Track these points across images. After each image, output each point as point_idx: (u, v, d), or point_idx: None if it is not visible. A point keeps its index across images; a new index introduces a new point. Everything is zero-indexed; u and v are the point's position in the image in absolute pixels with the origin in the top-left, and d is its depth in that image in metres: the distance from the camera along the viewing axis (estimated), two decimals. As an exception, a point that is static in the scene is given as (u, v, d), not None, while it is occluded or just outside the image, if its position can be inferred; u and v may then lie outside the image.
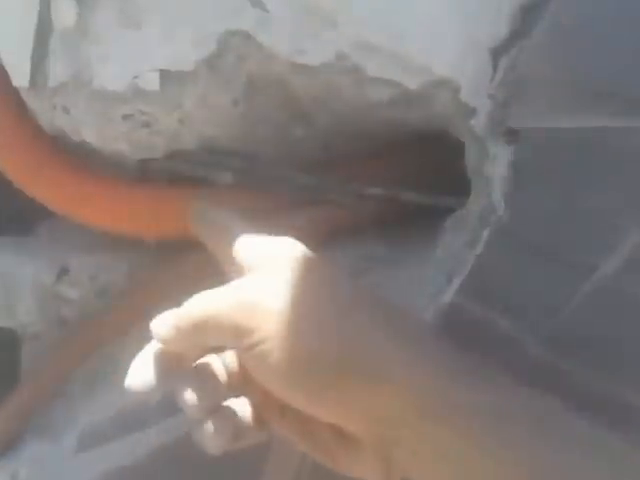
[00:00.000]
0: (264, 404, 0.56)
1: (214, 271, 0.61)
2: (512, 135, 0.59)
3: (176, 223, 0.70)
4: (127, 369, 0.54)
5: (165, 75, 0.65)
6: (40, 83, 0.67)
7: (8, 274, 0.76)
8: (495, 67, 0.60)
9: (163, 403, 0.56)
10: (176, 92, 0.66)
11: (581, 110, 0.57)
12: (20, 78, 0.67)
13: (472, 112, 0.61)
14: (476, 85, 0.61)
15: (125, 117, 0.67)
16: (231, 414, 0.55)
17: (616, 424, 0.48)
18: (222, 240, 0.58)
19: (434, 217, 0.70)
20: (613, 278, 0.57)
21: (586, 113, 0.57)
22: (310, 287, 0.52)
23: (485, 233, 0.60)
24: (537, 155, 0.58)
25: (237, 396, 0.57)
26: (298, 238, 0.57)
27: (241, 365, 0.56)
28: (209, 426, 0.53)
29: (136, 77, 0.65)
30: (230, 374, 0.56)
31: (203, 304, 0.53)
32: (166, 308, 0.71)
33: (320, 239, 0.70)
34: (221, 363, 0.56)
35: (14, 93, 0.68)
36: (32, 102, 0.68)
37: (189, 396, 0.53)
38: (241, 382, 0.56)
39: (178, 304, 0.61)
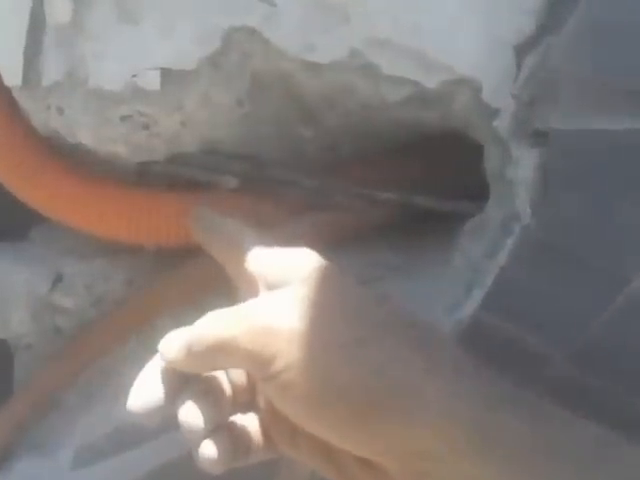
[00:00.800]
0: (273, 423, 0.53)
1: (217, 278, 0.60)
2: (539, 137, 0.56)
3: (177, 229, 0.67)
4: (125, 382, 0.51)
5: (165, 74, 0.62)
6: (33, 82, 0.63)
7: (0, 282, 0.72)
8: (519, 65, 0.57)
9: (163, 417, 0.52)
10: (177, 92, 0.63)
11: (614, 111, 0.54)
12: (12, 77, 0.64)
13: (494, 113, 0.59)
14: (499, 84, 0.58)
15: (123, 118, 0.64)
16: (234, 432, 0.52)
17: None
18: (231, 251, 0.56)
19: (449, 222, 0.67)
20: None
21: (620, 114, 0.54)
22: (334, 307, 0.49)
23: (509, 242, 0.57)
24: (567, 159, 0.55)
25: (244, 411, 0.54)
26: (304, 244, 0.54)
27: (249, 381, 0.53)
28: (208, 446, 0.50)
29: (135, 76, 0.62)
30: (236, 388, 0.53)
31: (217, 327, 0.49)
32: (167, 318, 0.68)
33: (327, 245, 0.66)
34: (226, 377, 0.53)
35: (5, 92, 0.65)
36: (25, 102, 0.65)
37: (190, 415, 0.50)
38: (248, 398, 0.53)
39: (180, 315, 0.58)
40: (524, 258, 0.56)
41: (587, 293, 0.55)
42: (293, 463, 0.63)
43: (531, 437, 0.46)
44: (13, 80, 0.64)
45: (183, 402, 0.50)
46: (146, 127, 0.65)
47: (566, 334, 0.55)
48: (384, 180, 0.69)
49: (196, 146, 0.67)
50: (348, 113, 0.66)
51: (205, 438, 0.50)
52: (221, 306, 0.52)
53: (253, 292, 0.54)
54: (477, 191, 0.64)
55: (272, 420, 0.53)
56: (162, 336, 0.51)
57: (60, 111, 0.65)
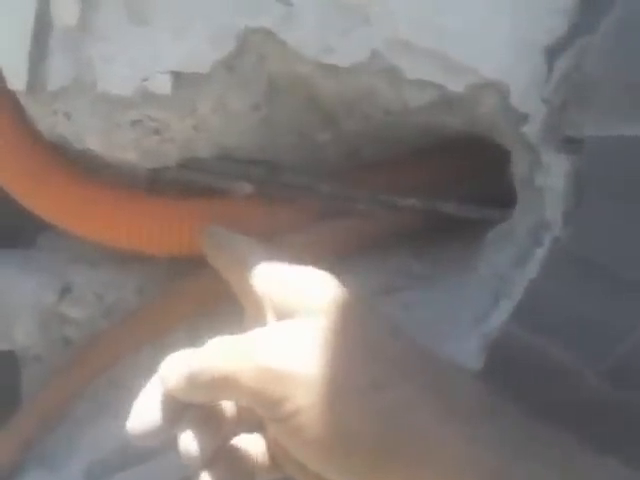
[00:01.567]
0: (280, 453, 0.51)
1: (230, 287, 0.57)
2: (572, 143, 0.54)
3: (190, 237, 0.65)
4: (135, 394, 0.50)
5: (178, 77, 0.60)
6: (39, 86, 0.61)
7: (6, 291, 0.70)
8: (550, 68, 0.55)
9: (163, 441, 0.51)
10: (190, 96, 0.61)
11: (652, 117, 0.50)
12: (17, 81, 0.61)
13: (523, 118, 0.57)
14: (528, 88, 0.56)
15: (133, 123, 0.62)
16: (236, 458, 0.50)
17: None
18: (237, 267, 0.54)
19: (474, 229, 0.65)
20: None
21: (657, 120, 0.50)
22: (351, 347, 0.47)
23: (537, 252, 0.55)
24: (602, 167, 0.53)
25: (251, 431, 0.52)
26: (323, 252, 0.54)
27: None
28: (206, 478, 0.48)
29: (145, 80, 0.60)
30: (241, 407, 0.51)
31: (224, 359, 0.47)
32: (179, 327, 0.66)
33: (347, 253, 0.66)
34: None
35: (11, 97, 0.62)
36: (31, 107, 0.63)
37: (188, 443, 0.48)
38: (254, 417, 0.50)
39: (193, 324, 0.56)
40: (555, 270, 0.54)
41: (621, 307, 0.53)
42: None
43: None
44: (18, 84, 0.62)
45: (182, 429, 0.48)
46: (157, 132, 0.62)
47: (599, 350, 0.53)
48: (406, 186, 0.67)
49: (210, 151, 0.65)
50: (368, 118, 0.64)
51: (204, 466, 0.48)
52: (234, 316, 0.50)
53: (259, 315, 0.52)
54: (503, 198, 0.62)
55: (279, 451, 0.50)
56: (174, 347, 0.50)
57: (67, 116, 0.63)
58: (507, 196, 0.61)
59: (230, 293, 0.58)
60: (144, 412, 0.49)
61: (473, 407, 0.46)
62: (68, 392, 0.72)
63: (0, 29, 0.61)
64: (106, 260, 0.71)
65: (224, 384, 0.47)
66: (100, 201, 0.66)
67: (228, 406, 0.51)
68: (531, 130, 0.56)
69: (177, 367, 0.48)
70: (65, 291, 0.70)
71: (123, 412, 0.53)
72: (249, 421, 0.51)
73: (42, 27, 0.61)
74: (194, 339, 0.51)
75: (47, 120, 0.64)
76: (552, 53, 0.55)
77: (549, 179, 0.56)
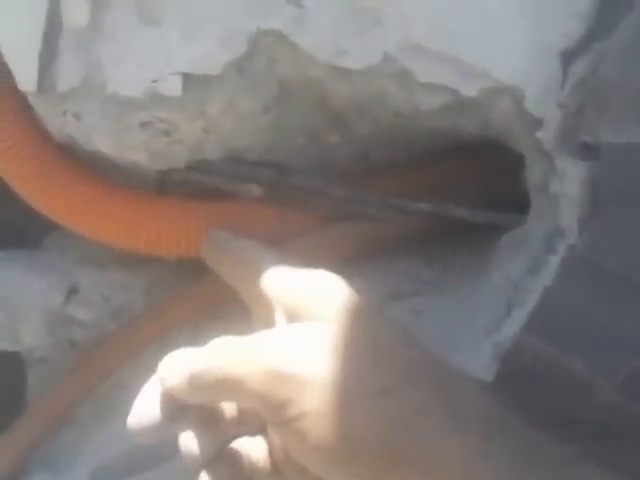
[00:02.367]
0: (282, 458, 0.50)
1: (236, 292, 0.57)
2: (588, 150, 0.53)
3: (199, 239, 0.64)
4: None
5: (188, 79, 0.59)
6: (49, 87, 0.61)
7: (13, 292, 0.70)
8: (566, 72, 0.55)
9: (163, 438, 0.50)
10: (200, 98, 0.60)
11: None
12: (27, 81, 0.61)
13: (538, 123, 0.56)
14: (543, 92, 0.55)
15: (143, 125, 0.61)
16: (236, 461, 0.49)
17: None
18: (246, 271, 0.53)
19: (485, 234, 0.64)
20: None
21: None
22: (361, 353, 0.46)
23: (552, 259, 0.55)
24: (618, 174, 0.52)
25: (253, 433, 0.51)
26: (333, 255, 0.54)
27: None
28: (209, 476, 0.47)
29: (155, 81, 0.59)
30: (243, 409, 0.50)
31: (227, 361, 0.46)
32: (186, 330, 0.66)
33: (357, 257, 0.65)
34: None
35: (21, 97, 0.62)
36: (40, 107, 0.62)
37: (187, 444, 0.47)
38: (256, 420, 0.49)
39: (201, 326, 0.55)
40: (570, 278, 0.53)
41: (637, 317, 0.52)
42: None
43: None
44: (28, 85, 0.61)
45: (182, 429, 0.48)
46: (167, 134, 0.62)
47: (613, 361, 0.52)
48: (417, 189, 0.67)
49: (219, 154, 0.65)
50: (379, 121, 0.63)
51: (203, 467, 0.48)
52: (240, 318, 0.49)
53: (268, 318, 0.52)
54: (517, 203, 0.61)
55: (281, 456, 0.50)
56: (179, 348, 0.49)
57: (77, 117, 0.62)
58: (521, 202, 0.60)
59: (236, 296, 0.58)
60: (144, 409, 0.49)
61: (482, 419, 0.45)
62: (74, 395, 0.72)
63: (10, 29, 0.61)
64: (113, 262, 0.70)
65: (228, 386, 0.46)
66: (109, 202, 0.66)
67: (228, 407, 0.50)
68: (546, 135, 0.56)
69: (178, 367, 0.47)
70: (72, 292, 0.70)
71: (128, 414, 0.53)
72: (251, 424, 0.51)
73: (52, 27, 0.60)
74: (198, 341, 0.50)
75: (57, 121, 0.63)
76: (568, 57, 0.54)
77: (564, 185, 0.55)
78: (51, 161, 0.65)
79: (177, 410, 0.48)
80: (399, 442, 0.44)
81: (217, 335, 0.49)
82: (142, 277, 0.71)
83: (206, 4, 0.58)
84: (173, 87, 0.60)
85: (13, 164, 0.65)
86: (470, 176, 0.68)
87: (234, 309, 0.62)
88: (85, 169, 0.66)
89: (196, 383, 0.46)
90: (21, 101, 0.63)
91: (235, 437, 0.50)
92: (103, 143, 0.63)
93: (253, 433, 0.51)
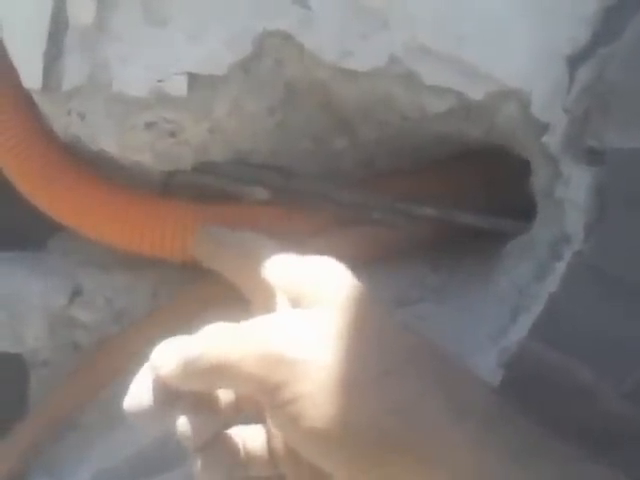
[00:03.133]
0: (278, 445, 0.50)
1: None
2: (594, 155, 0.52)
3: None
4: None
5: (193, 79, 0.59)
6: (53, 86, 0.61)
7: (15, 294, 0.69)
8: (572, 77, 0.54)
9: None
10: (206, 98, 0.60)
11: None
12: (31, 80, 0.61)
13: (544, 127, 0.56)
14: (549, 97, 0.55)
15: (148, 125, 0.61)
16: (231, 447, 0.49)
17: None
18: (245, 261, 0.53)
19: (491, 240, 0.64)
20: None
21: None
22: (362, 340, 0.46)
23: (558, 265, 0.54)
24: (624, 179, 0.52)
25: (252, 422, 0.51)
26: (338, 260, 0.51)
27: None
28: (202, 460, 0.47)
29: (161, 81, 0.59)
30: (240, 399, 0.50)
31: (222, 347, 0.46)
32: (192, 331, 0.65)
33: (362, 262, 0.62)
34: None
35: (25, 96, 0.62)
36: (45, 106, 0.62)
37: (185, 427, 0.47)
38: (253, 410, 0.50)
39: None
40: (576, 284, 0.52)
41: (645, 324, 0.50)
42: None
43: None
44: (33, 83, 0.61)
45: (177, 414, 0.48)
46: (172, 134, 0.62)
47: (619, 368, 0.51)
48: (422, 195, 0.66)
49: (225, 155, 0.65)
50: (385, 124, 0.63)
51: (197, 451, 0.47)
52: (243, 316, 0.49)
53: (268, 308, 0.51)
54: (523, 209, 0.61)
55: (277, 443, 0.50)
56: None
57: (82, 116, 0.62)
58: (527, 208, 0.60)
59: (240, 295, 0.57)
60: (139, 393, 0.48)
61: (483, 407, 0.45)
62: (76, 398, 0.71)
63: (16, 28, 0.61)
64: (117, 264, 0.70)
65: (222, 371, 0.45)
66: (113, 203, 0.65)
67: (225, 394, 0.50)
68: (552, 140, 0.55)
69: (172, 354, 0.47)
70: (75, 294, 0.70)
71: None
72: (249, 412, 0.50)
73: (58, 26, 0.60)
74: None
75: (61, 120, 0.63)
76: (574, 62, 0.54)
77: (570, 191, 0.55)
78: (55, 161, 0.65)
79: (171, 396, 0.48)
80: (397, 427, 0.43)
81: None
82: (146, 280, 0.70)
83: (212, 4, 0.58)
84: (179, 87, 0.59)
85: (18, 163, 0.65)
86: (476, 182, 0.68)
87: (236, 309, 0.62)
88: (90, 169, 0.65)
89: (190, 369, 0.46)
90: (26, 100, 0.63)
91: (231, 424, 0.50)
92: (108, 143, 0.63)
93: (251, 422, 0.51)
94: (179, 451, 0.61)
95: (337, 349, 0.45)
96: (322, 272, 0.50)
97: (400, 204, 0.65)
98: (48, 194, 0.65)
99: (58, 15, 0.60)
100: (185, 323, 0.65)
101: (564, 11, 0.54)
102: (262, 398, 0.45)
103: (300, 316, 0.48)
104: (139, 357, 0.67)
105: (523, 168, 0.60)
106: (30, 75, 0.61)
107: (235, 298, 0.59)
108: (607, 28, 0.53)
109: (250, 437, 0.51)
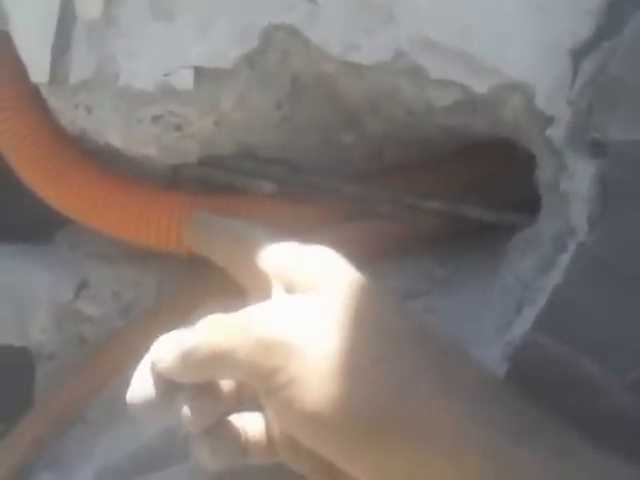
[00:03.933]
0: (276, 431, 0.50)
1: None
2: (598, 147, 0.52)
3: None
4: None
5: (200, 73, 0.59)
6: (60, 79, 0.61)
7: (21, 286, 0.70)
8: (576, 70, 0.54)
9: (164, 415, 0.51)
10: (212, 92, 0.60)
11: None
12: (39, 73, 0.61)
13: (548, 120, 0.55)
14: (554, 90, 0.55)
15: (154, 118, 0.61)
16: (230, 433, 0.50)
17: None
18: (240, 249, 0.53)
19: (497, 233, 0.64)
20: None
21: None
22: (350, 320, 0.46)
23: (562, 258, 0.54)
24: (628, 171, 0.51)
25: (252, 409, 0.52)
26: (345, 254, 0.51)
27: None
28: (204, 444, 0.48)
29: (167, 75, 0.59)
30: (241, 386, 0.50)
31: (218, 336, 0.46)
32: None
33: (369, 256, 0.63)
34: None
35: (33, 90, 0.62)
36: (52, 100, 0.62)
37: (185, 414, 0.48)
38: (252, 396, 0.49)
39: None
40: (580, 276, 0.52)
41: (650, 317, 0.50)
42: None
43: (544, 473, 0.42)
44: (40, 77, 0.61)
45: (179, 405, 0.48)
46: (178, 128, 0.62)
47: (624, 361, 0.51)
48: (429, 189, 0.66)
49: (231, 149, 0.65)
50: (391, 118, 0.63)
51: (197, 437, 0.48)
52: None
53: (264, 296, 0.51)
54: (528, 202, 0.61)
55: (276, 431, 0.50)
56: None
57: (88, 110, 0.62)
58: (532, 201, 0.60)
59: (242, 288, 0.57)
60: (141, 386, 0.49)
61: (474, 385, 0.45)
62: (82, 392, 0.71)
63: (23, 21, 0.61)
64: (124, 257, 0.70)
65: (220, 360, 0.46)
66: (120, 196, 0.66)
67: (225, 383, 0.50)
68: (556, 133, 0.55)
69: (169, 348, 0.48)
70: (82, 288, 0.70)
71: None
72: (249, 401, 0.51)
73: (65, 20, 0.60)
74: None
75: (68, 113, 0.63)
76: (578, 55, 0.54)
77: (574, 183, 0.54)
78: (62, 154, 0.65)
79: (173, 388, 0.49)
80: (391, 409, 0.43)
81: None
82: (153, 273, 0.71)
83: (219, -1, 0.57)
84: (185, 80, 0.59)
85: (25, 156, 0.65)
86: (482, 176, 0.68)
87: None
88: (96, 162, 0.66)
89: (189, 361, 0.47)
90: (33, 94, 0.63)
91: (232, 412, 0.50)
92: (114, 136, 0.63)
93: (252, 409, 0.52)
94: (183, 446, 0.61)
95: (332, 333, 0.45)
96: (317, 259, 0.50)
97: (406, 198, 0.65)
98: (55, 187, 0.66)
99: (66, 9, 0.60)
100: (191, 317, 0.66)
101: (568, 5, 0.54)
102: (258, 385, 0.46)
103: (295, 301, 0.48)
104: (142, 352, 0.67)
105: (528, 162, 0.60)
106: (38, 69, 0.61)
107: (237, 291, 0.59)
108: (610, 22, 0.53)
109: (250, 425, 0.51)
